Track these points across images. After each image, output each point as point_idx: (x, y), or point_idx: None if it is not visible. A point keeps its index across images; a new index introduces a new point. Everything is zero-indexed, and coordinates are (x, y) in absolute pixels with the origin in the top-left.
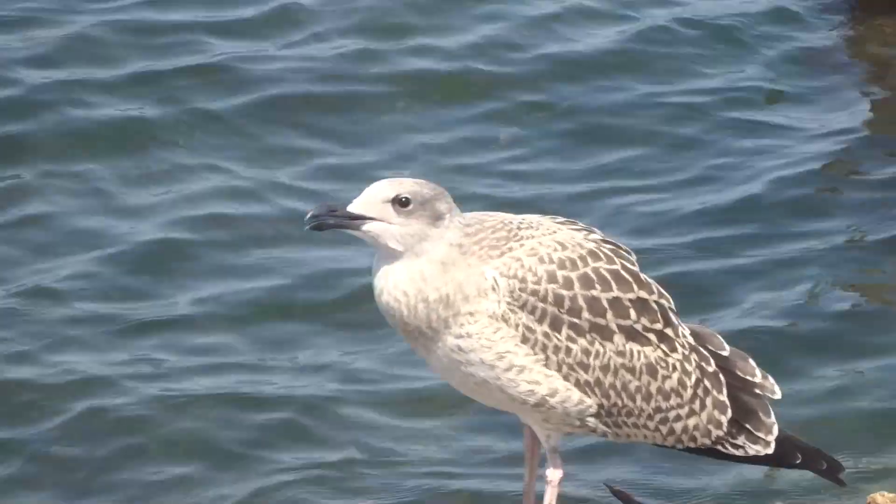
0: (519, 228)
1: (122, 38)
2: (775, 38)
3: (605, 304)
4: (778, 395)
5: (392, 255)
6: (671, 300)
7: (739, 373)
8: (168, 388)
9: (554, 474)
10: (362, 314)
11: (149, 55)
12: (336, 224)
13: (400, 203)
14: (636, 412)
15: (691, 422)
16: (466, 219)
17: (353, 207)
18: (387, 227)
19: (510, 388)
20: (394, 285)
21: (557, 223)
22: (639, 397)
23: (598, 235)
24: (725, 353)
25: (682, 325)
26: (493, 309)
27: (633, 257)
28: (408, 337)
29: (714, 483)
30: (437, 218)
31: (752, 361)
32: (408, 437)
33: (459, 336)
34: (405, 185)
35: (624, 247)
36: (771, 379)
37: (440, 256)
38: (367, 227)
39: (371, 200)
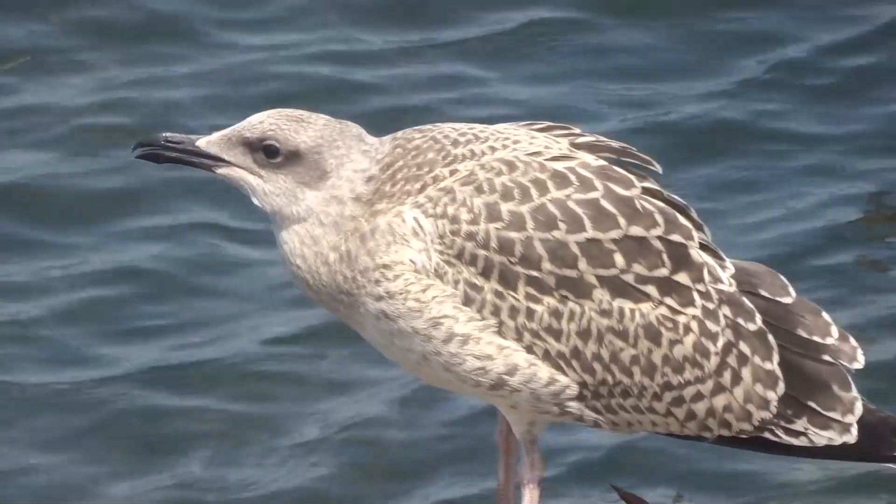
0: (456, 144)
1: None
2: None
3: (576, 249)
4: (860, 364)
5: (270, 215)
6: (703, 229)
7: (803, 332)
8: None
9: (531, 474)
10: None
11: None
12: (177, 159)
13: (266, 151)
14: (636, 391)
15: (719, 401)
16: (387, 143)
17: (204, 143)
18: (246, 176)
19: (455, 366)
20: (290, 252)
21: (530, 130)
22: (637, 370)
23: (590, 139)
24: (788, 301)
25: (721, 263)
26: (420, 260)
27: (658, 168)
28: (327, 307)
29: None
30: (319, 177)
31: (826, 316)
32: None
33: (380, 298)
34: (277, 127)
35: (637, 154)
36: (853, 341)
37: (330, 219)
38: (225, 171)
39: (230, 138)
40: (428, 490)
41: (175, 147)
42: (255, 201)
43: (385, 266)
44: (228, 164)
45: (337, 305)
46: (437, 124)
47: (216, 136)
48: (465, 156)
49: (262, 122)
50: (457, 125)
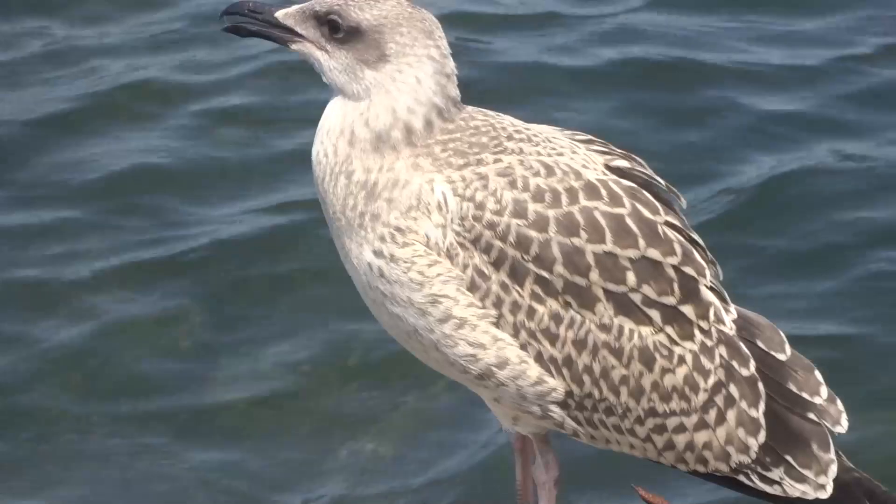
0: (510, 139)
1: None
2: None
3: (591, 258)
4: (843, 428)
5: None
6: (715, 271)
7: (793, 386)
8: None
9: (547, 475)
10: None
11: None
12: (258, 32)
13: (330, 26)
14: (620, 410)
15: (701, 437)
16: (460, 112)
17: (281, 15)
18: (314, 51)
19: (446, 347)
20: (327, 132)
21: (575, 141)
22: (624, 391)
23: (624, 163)
24: (783, 358)
25: (725, 307)
26: (435, 236)
27: (683, 202)
28: (325, 212)
29: None
30: (377, 58)
31: (818, 375)
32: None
33: (380, 254)
34: (344, 2)
35: (663, 185)
36: (840, 404)
37: (379, 127)
38: (298, 46)
39: (304, 11)
40: (446, 491)
41: (257, 18)
42: (323, 77)
43: (398, 229)
44: (302, 38)
45: (331, 223)
46: (500, 114)
47: (294, 8)
48: (514, 151)
49: None
50: (517, 122)
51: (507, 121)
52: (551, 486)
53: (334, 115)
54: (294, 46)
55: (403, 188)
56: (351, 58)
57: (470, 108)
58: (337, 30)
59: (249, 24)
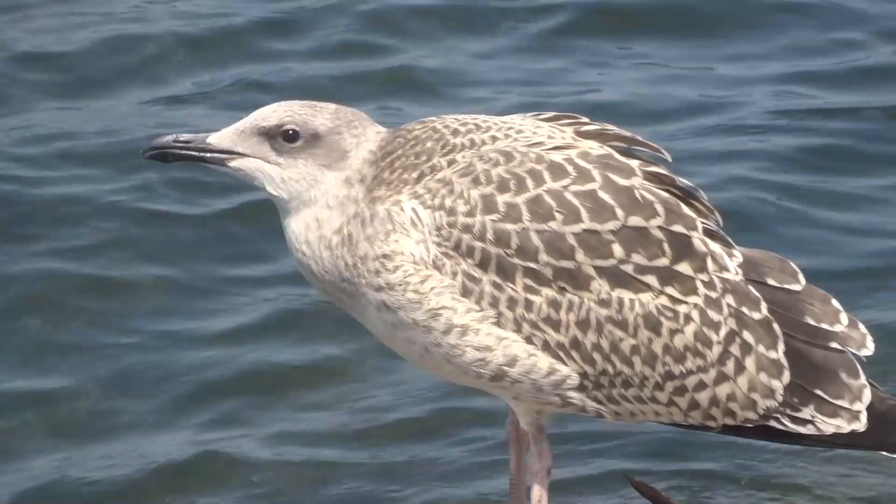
0: (455, 134)
1: None
2: None
3: (573, 240)
4: (869, 350)
5: (283, 203)
6: (713, 215)
7: (811, 320)
8: None
9: (540, 464)
10: None
11: None
12: (186, 156)
13: (285, 137)
14: (637, 381)
15: (723, 390)
16: (388, 135)
17: (215, 139)
18: (262, 165)
19: (456, 358)
20: (295, 239)
21: (536, 120)
22: (637, 360)
23: (596, 128)
24: (798, 288)
25: (728, 251)
26: (419, 252)
27: (667, 156)
28: (333, 298)
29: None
30: (339, 158)
31: (836, 303)
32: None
33: (380, 288)
34: (293, 113)
35: (645, 142)
36: (862, 327)
37: (337, 201)
38: (237, 164)
39: (243, 130)
40: (443, 484)
41: (185, 146)
42: (271, 190)
43: (385, 256)
44: (242, 155)
45: (341, 295)
46: (442, 116)
47: (227, 130)
48: (465, 145)
49: (275, 112)
50: (461, 116)
51: (450, 118)
52: (544, 474)
53: (296, 226)
54: (233, 164)
55: (373, 220)
56: (311, 164)
57: (406, 125)
58: (295, 138)
59: (176, 149)
